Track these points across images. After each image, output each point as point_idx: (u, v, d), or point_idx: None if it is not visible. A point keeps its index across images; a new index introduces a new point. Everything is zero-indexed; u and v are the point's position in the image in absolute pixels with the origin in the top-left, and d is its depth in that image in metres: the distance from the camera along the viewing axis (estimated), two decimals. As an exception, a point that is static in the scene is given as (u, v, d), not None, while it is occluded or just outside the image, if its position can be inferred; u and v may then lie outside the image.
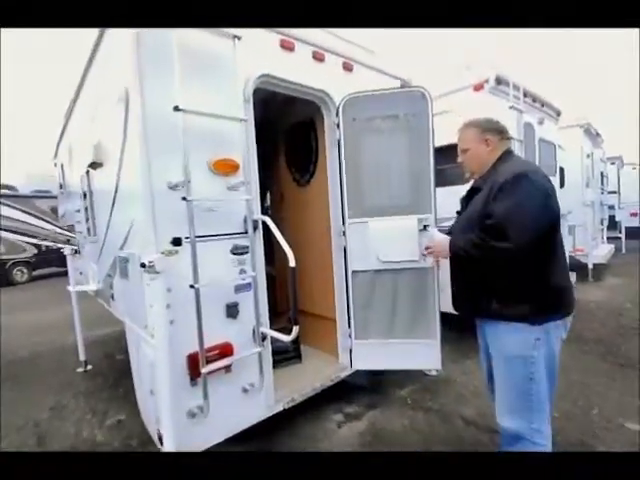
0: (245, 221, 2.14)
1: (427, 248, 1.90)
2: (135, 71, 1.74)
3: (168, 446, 1.71)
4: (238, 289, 2.12)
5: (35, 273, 12.09)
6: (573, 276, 5.28)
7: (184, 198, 1.75)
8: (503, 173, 1.51)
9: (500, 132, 1.67)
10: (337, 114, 2.61)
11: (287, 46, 2.35)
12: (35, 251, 11.88)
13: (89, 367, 4.17)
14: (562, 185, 5.71)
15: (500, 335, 1.58)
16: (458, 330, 3.16)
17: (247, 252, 2.18)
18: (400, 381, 3.20)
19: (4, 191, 11.42)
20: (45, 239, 10.21)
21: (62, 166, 4.70)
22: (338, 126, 2.61)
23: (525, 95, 4.20)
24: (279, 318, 3.87)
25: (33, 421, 3.00)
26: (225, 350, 2.03)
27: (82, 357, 4.17)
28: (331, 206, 2.80)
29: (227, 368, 2.07)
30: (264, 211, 4.90)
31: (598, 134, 7.54)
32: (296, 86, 2.41)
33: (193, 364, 1.90)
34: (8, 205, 10.88)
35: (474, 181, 1.74)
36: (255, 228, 2.15)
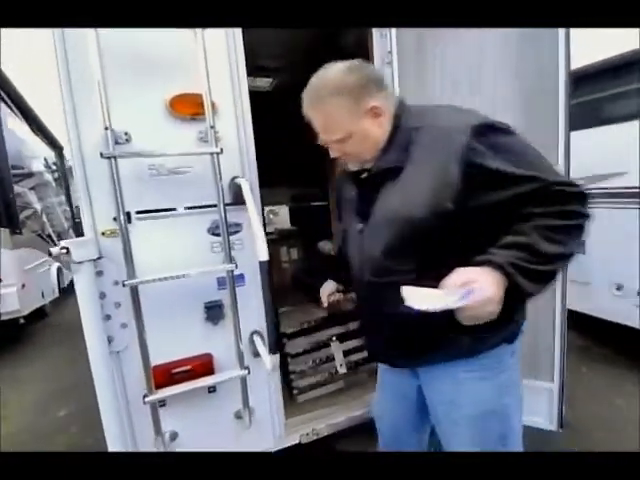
0: (231, 187, 1.49)
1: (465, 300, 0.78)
2: None
3: None
4: (222, 284, 1.52)
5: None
6: None
7: (102, 154, 1.18)
8: (444, 126, 0.87)
9: (379, 82, 0.93)
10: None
11: None
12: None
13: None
14: None
15: (462, 384, 0.98)
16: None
17: (236, 231, 1.54)
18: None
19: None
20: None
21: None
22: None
23: None
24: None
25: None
26: (201, 366, 1.49)
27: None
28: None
29: (210, 387, 1.55)
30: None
31: None
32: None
33: (158, 380, 1.42)
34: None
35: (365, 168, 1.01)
36: (238, 198, 1.45)
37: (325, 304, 1.38)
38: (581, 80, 2.81)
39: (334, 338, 1.50)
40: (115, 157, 1.19)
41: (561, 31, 1.40)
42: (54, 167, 6.88)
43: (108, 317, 1.38)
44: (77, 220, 7.46)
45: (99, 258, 1.32)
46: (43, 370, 3.58)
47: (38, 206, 5.46)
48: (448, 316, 0.77)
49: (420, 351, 0.99)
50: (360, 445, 1.98)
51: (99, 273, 1.34)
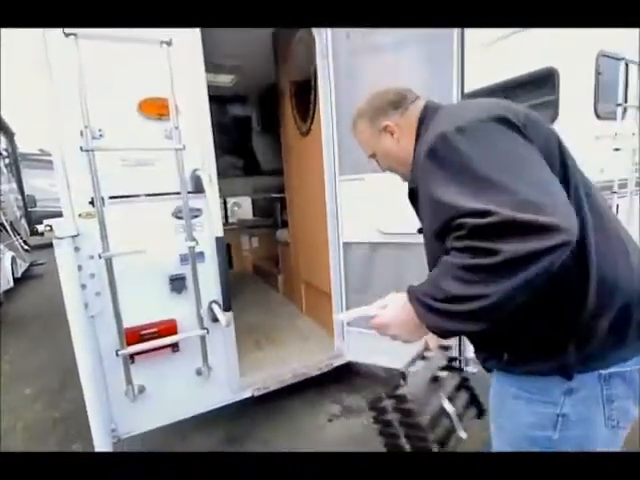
0: (192, 178, 1.76)
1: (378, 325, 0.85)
2: None
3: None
4: (184, 260, 1.80)
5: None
6: None
7: (81, 148, 1.42)
8: (422, 141, 0.84)
9: (396, 103, 0.97)
10: (327, 32, 1.95)
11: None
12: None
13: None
14: None
15: (505, 399, 0.89)
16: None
17: (196, 216, 1.82)
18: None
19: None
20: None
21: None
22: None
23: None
24: (292, 291, 3.54)
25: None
26: (166, 329, 1.77)
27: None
28: (324, 157, 2.22)
29: (174, 347, 1.83)
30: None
31: None
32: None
33: (128, 340, 1.68)
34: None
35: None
36: (198, 187, 1.73)
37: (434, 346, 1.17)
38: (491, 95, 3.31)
39: (443, 396, 1.11)
40: (93, 150, 1.44)
41: (455, 55, 1.78)
42: (5, 153, 6.64)
43: (84, 286, 1.62)
44: (29, 209, 7.24)
45: (76, 235, 1.56)
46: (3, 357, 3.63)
47: (-10, 193, 5.32)
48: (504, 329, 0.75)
49: (479, 353, 0.95)
50: (303, 399, 2.36)
51: (76, 249, 1.57)
